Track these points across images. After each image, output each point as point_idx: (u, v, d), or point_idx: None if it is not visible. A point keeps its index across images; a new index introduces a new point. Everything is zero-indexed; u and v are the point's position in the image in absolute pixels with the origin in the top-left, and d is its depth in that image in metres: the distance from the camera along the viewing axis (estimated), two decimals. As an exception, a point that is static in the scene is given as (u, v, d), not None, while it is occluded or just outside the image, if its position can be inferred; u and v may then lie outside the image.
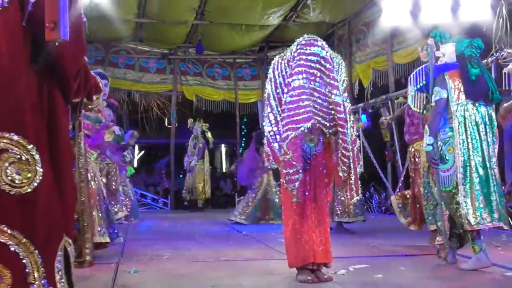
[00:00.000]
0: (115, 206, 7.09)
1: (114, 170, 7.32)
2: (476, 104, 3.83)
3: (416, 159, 5.15)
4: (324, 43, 3.49)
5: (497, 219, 3.70)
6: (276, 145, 3.41)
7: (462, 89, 3.84)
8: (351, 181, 3.37)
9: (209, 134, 10.70)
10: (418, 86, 4.32)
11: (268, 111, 3.51)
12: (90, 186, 3.09)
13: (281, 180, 3.45)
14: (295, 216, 3.39)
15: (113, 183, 7.26)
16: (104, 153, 6.14)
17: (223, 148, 18.01)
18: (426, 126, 3.90)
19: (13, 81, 1.73)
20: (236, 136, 12.80)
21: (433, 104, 3.87)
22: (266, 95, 3.56)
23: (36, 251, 1.71)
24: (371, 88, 9.90)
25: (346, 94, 3.49)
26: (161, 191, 13.14)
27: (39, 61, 1.80)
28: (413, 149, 5.17)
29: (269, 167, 3.62)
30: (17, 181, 1.70)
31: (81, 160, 2.05)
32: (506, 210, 3.94)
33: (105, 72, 5.99)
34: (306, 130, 3.33)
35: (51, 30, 1.68)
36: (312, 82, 3.37)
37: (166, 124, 12.42)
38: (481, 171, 3.73)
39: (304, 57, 3.40)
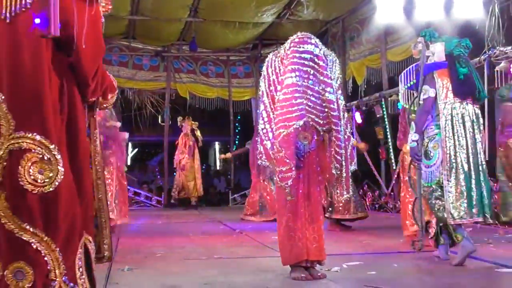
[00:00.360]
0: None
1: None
2: (464, 103, 3.90)
3: (405, 162, 5.18)
4: (317, 40, 3.48)
5: (476, 214, 3.80)
6: (268, 143, 3.41)
7: (450, 88, 3.92)
8: (342, 179, 3.38)
9: (198, 132, 10.66)
10: (409, 84, 4.41)
11: (261, 108, 3.51)
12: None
13: (275, 177, 3.45)
14: (288, 214, 3.39)
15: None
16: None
17: (216, 145, 17.97)
18: (413, 123, 3.97)
19: (36, 82, 1.77)
20: (230, 133, 12.79)
21: (421, 102, 3.94)
22: (260, 92, 3.56)
23: (57, 249, 1.75)
24: (365, 86, 9.92)
25: (340, 92, 3.49)
26: (155, 189, 13.12)
27: (60, 62, 1.83)
28: (402, 152, 5.22)
29: (261, 165, 3.61)
30: (39, 180, 1.74)
31: (97, 157, 2.08)
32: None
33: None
34: (299, 128, 3.33)
35: (41, 26, 1.68)
36: (305, 80, 3.37)
37: (159, 122, 12.36)
38: (466, 167, 3.81)
39: (297, 55, 3.40)
